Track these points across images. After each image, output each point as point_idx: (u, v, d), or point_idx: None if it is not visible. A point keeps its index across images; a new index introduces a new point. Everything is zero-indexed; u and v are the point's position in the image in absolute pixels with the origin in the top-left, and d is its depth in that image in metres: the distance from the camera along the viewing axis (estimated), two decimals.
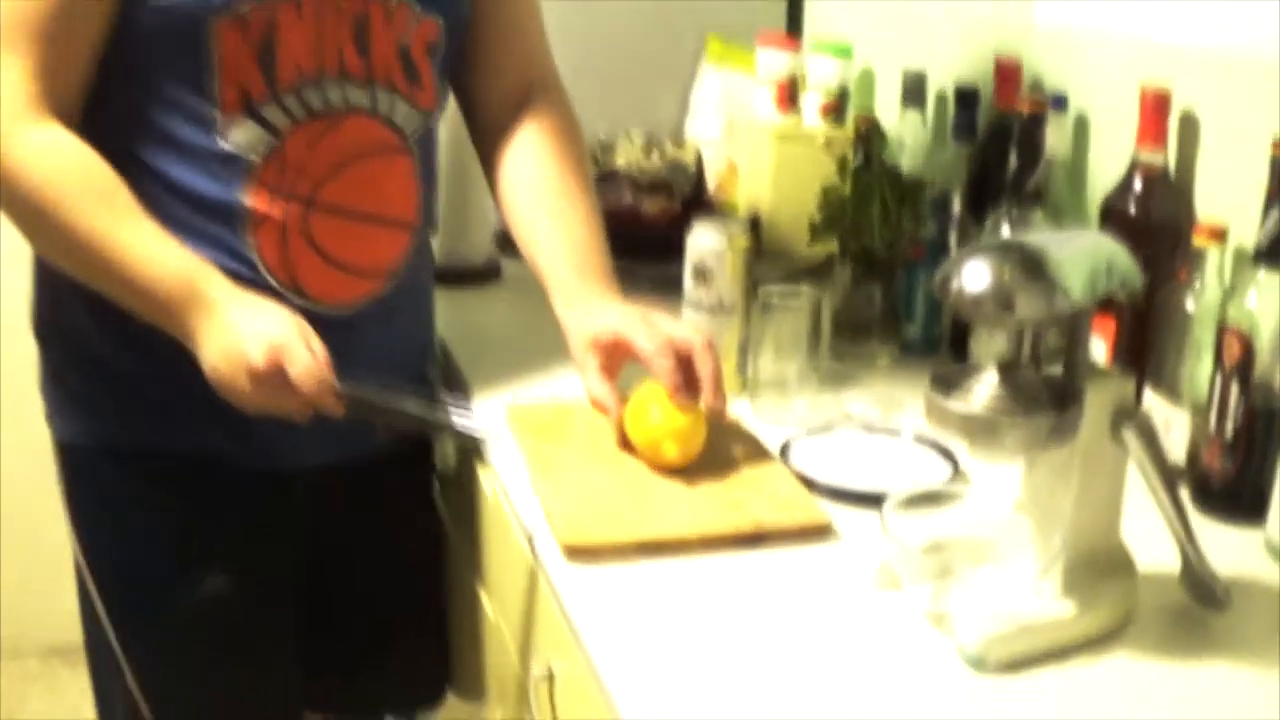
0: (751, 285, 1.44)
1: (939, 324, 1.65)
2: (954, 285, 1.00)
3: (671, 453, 1.26)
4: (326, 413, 1.21)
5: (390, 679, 1.52)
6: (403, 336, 1.41)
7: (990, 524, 1.10)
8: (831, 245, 1.62)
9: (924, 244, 1.61)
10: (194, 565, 1.34)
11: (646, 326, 1.28)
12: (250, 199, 1.25)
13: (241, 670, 1.38)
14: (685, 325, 1.32)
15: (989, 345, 1.38)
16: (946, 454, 1.34)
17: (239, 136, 1.25)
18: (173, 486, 1.33)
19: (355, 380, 1.22)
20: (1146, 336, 1.36)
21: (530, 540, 1.22)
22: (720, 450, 1.30)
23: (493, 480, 1.36)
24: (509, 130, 1.43)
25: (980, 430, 1.02)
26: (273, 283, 1.28)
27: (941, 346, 1.64)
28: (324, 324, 1.25)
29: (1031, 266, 0.99)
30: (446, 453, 1.56)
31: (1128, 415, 1.05)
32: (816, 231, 1.61)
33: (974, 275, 0.99)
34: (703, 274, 1.42)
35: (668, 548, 1.15)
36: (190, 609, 1.34)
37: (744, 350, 1.46)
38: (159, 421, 1.32)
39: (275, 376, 1.17)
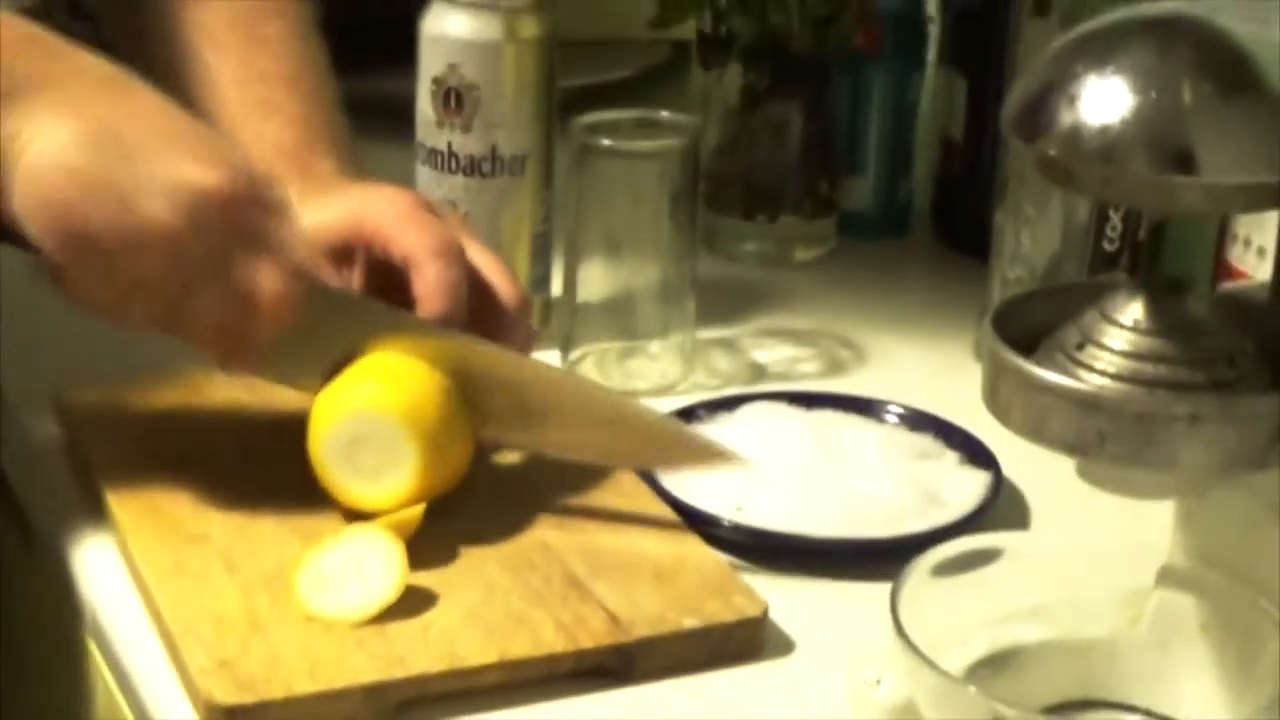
0: (553, 114, 1.25)
1: (909, 177, 1.47)
2: (1062, 119, 0.80)
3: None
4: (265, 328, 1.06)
5: None
6: None
7: (1092, 610, 0.88)
8: (695, 26, 1.44)
9: (884, 23, 1.44)
10: None
11: (410, 215, 1.16)
12: None
13: None
14: (448, 222, 1.20)
15: (1022, 227, 1.23)
16: (969, 447, 1.04)
17: None
18: None
19: None
20: None
21: (135, 697, 0.91)
22: (507, 469, 1.00)
23: (56, 573, 1.09)
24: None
25: (1125, 432, 0.81)
26: None
27: (914, 221, 1.47)
28: None
29: (1224, 67, 0.79)
30: None
31: None
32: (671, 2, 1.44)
33: (1107, 94, 0.79)
34: (454, 95, 1.24)
35: (426, 696, 0.85)
36: None
37: (542, 244, 1.24)
38: None
39: (244, 228, 1.05)
